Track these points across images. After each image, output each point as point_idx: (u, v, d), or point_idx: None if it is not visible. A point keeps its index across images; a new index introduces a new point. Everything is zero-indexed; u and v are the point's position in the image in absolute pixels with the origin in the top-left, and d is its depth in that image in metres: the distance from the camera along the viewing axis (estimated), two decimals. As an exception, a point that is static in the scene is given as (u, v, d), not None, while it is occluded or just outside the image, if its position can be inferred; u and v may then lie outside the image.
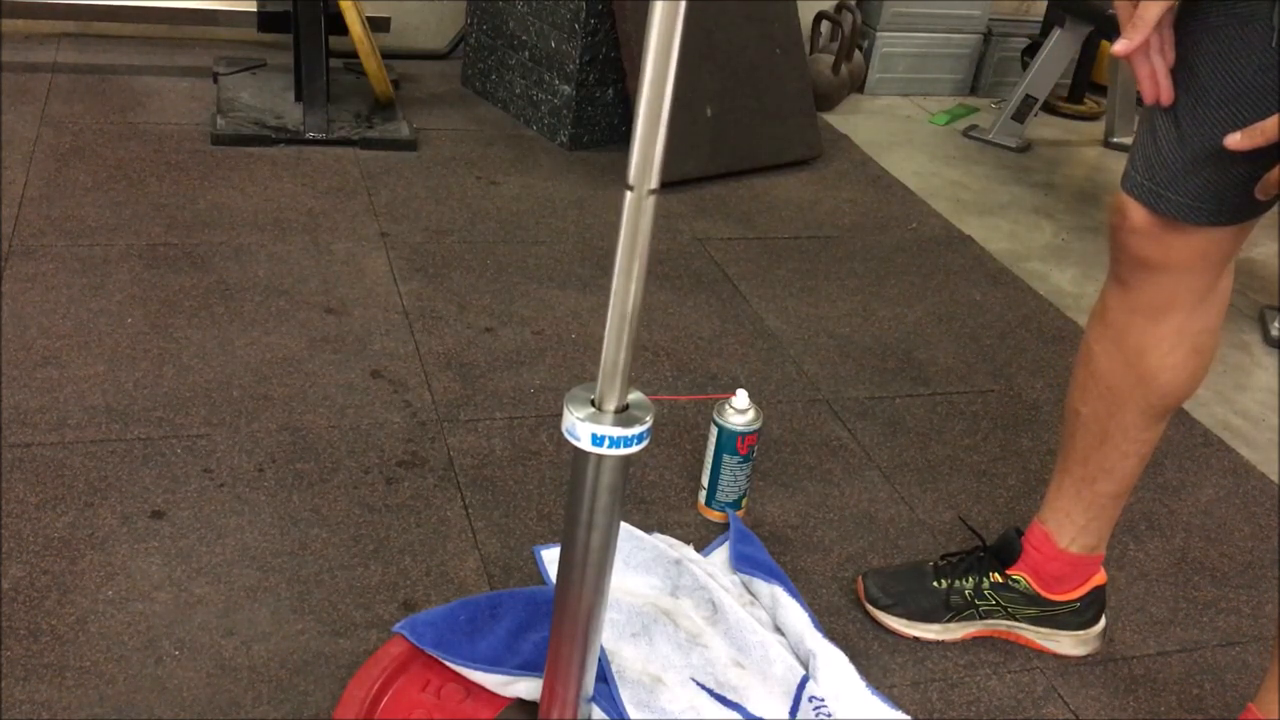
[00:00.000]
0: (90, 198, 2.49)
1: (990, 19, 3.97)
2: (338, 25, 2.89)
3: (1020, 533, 1.60)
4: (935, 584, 1.62)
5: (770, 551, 1.75)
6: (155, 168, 2.65)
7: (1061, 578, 1.58)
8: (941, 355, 2.36)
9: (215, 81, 3.11)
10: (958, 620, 1.61)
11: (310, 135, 2.86)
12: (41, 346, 1.98)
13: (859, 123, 3.61)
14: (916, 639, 1.61)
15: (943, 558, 1.67)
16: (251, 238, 2.42)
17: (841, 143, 3.41)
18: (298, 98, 2.98)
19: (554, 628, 1.23)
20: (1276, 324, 2.62)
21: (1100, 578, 1.60)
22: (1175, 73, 1.24)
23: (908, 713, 1.49)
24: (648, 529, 1.75)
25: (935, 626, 1.61)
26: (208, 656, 1.44)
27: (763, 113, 3.08)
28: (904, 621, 1.61)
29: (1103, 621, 1.63)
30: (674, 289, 2.46)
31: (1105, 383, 1.45)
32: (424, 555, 1.65)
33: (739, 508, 1.80)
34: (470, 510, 1.75)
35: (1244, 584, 1.83)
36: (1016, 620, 1.61)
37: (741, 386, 1.78)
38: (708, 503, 1.79)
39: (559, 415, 1.99)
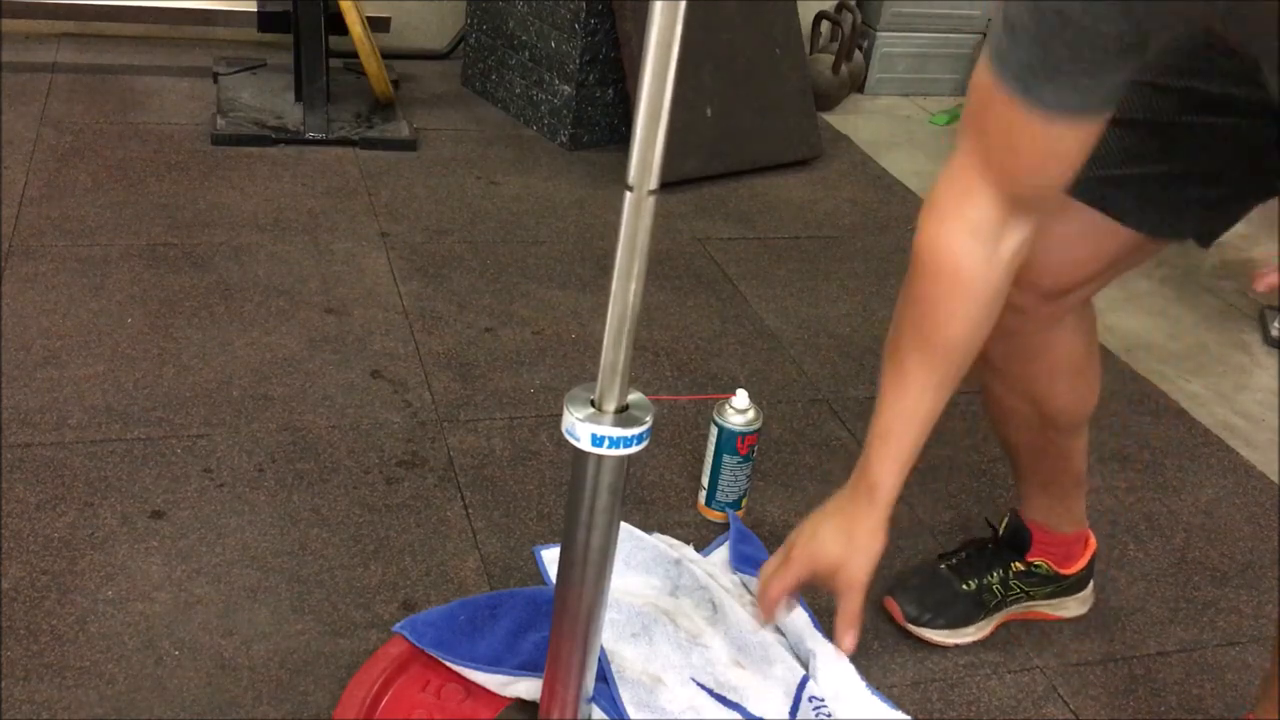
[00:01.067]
0: (90, 198, 2.49)
1: (990, 19, 3.97)
2: (338, 25, 2.89)
3: (1022, 521, 1.65)
4: (964, 586, 1.62)
5: (770, 551, 1.74)
6: (155, 168, 2.65)
7: (1069, 555, 1.65)
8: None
9: (215, 81, 3.11)
10: (988, 616, 1.64)
11: (310, 135, 2.86)
12: (41, 346, 1.98)
13: (859, 123, 3.61)
14: (957, 646, 1.62)
15: (940, 557, 1.67)
16: (251, 238, 2.42)
17: (841, 143, 3.41)
18: (298, 98, 2.98)
19: (554, 628, 1.23)
20: (1276, 324, 2.62)
21: (1092, 542, 1.68)
22: None
23: (908, 713, 1.49)
24: (648, 529, 1.75)
25: (971, 629, 1.63)
26: (208, 656, 1.44)
27: (763, 113, 3.08)
28: (946, 632, 1.61)
29: (1092, 580, 1.71)
30: (674, 289, 2.46)
31: (1015, 417, 1.52)
32: (424, 555, 1.65)
33: (739, 508, 1.80)
34: (470, 510, 1.75)
35: (1244, 584, 1.83)
36: (1034, 599, 1.66)
37: (741, 386, 1.79)
38: (708, 503, 1.79)
39: (559, 415, 1.99)
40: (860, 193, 3.08)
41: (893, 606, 1.63)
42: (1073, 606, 1.69)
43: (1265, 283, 1.03)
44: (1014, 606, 1.65)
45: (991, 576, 1.63)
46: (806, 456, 1.98)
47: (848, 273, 2.64)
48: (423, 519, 1.72)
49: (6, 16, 3.12)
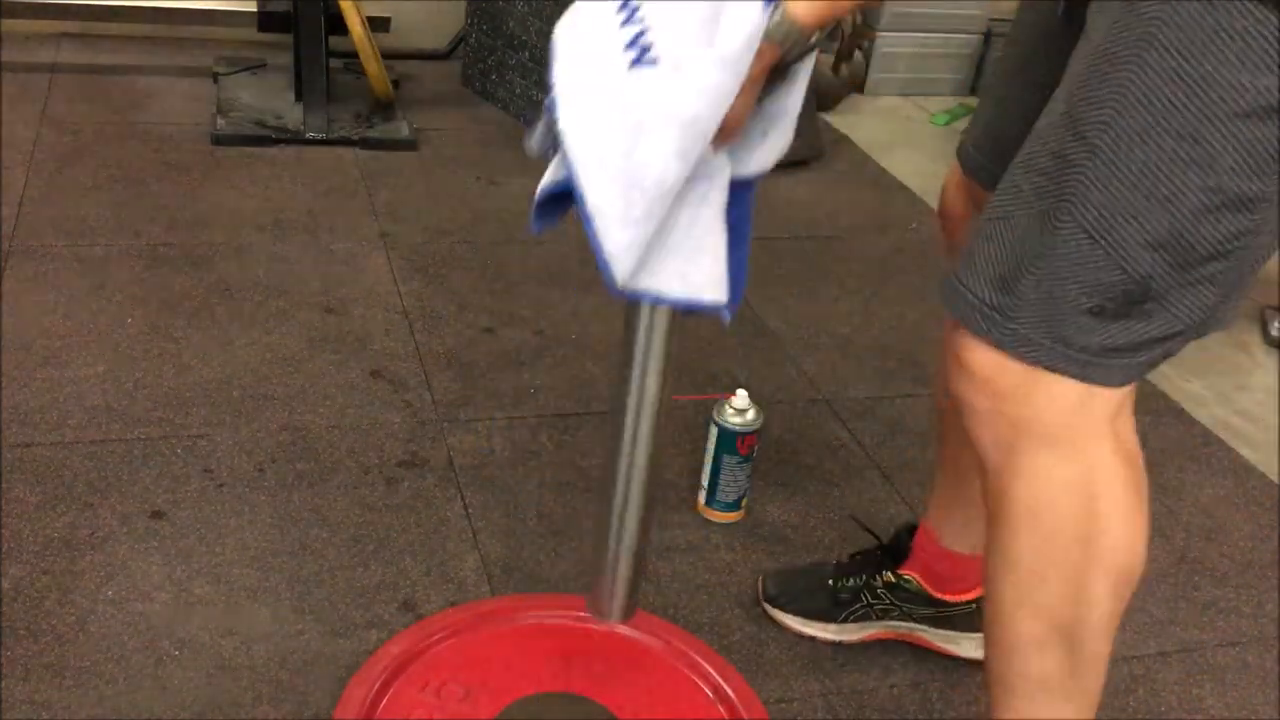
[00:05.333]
0: (90, 198, 2.49)
1: (990, 19, 3.96)
2: (338, 25, 2.89)
3: (912, 530, 1.57)
4: (830, 582, 1.59)
5: (770, 551, 1.75)
6: (155, 168, 2.65)
7: (951, 578, 1.54)
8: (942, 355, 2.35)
9: (215, 81, 3.11)
10: (854, 620, 1.58)
11: (310, 135, 2.86)
12: (41, 346, 1.98)
13: (859, 123, 3.61)
14: (812, 638, 1.58)
15: (851, 556, 1.64)
16: (251, 238, 2.42)
17: (841, 143, 3.41)
18: (298, 98, 2.98)
19: (598, 513, 1.20)
20: (1276, 324, 2.62)
21: None
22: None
23: (907, 713, 1.49)
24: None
25: (831, 626, 1.58)
26: (208, 656, 1.44)
27: (763, 113, 3.07)
28: (798, 620, 1.59)
29: None
30: (674, 289, 2.45)
31: None
32: (424, 555, 1.65)
33: (739, 508, 1.80)
34: (470, 510, 1.75)
35: (1244, 584, 1.83)
36: (915, 621, 1.57)
37: (741, 386, 1.79)
38: (708, 503, 1.79)
39: (559, 415, 1.99)
40: (860, 193, 3.08)
41: (759, 585, 1.63)
42: (968, 646, 1.56)
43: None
44: (891, 622, 1.57)
45: (856, 580, 1.57)
46: (806, 456, 1.98)
47: (847, 273, 2.64)
48: (423, 519, 1.72)
49: (6, 16, 3.12)
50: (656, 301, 1.09)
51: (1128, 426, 1.10)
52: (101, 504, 1.66)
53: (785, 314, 2.42)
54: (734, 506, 1.79)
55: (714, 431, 1.75)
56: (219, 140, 2.80)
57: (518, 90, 3.18)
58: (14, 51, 3.15)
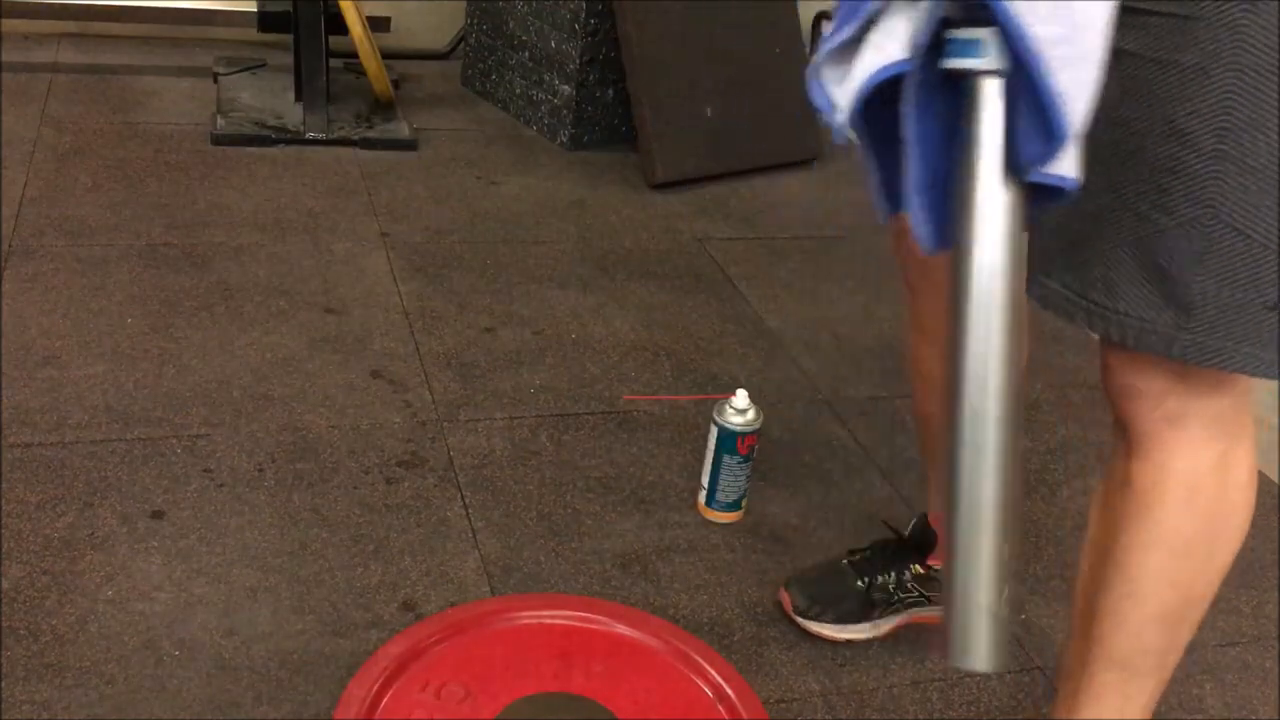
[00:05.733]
0: (90, 198, 2.49)
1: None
2: (338, 25, 2.89)
3: (926, 521, 1.60)
4: (858, 583, 1.60)
5: (770, 551, 1.75)
6: (155, 168, 2.65)
7: None
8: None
9: (215, 81, 3.11)
10: (883, 616, 1.60)
11: (310, 135, 2.86)
12: (41, 346, 1.98)
13: (859, 123, 3.61)
14: (849, 641, 1.59)
15: (852, 552, 1.65)
16: (251, 238, 2.42)
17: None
18: (298, 98, 2.98)
19: (946, 519, 0.92)
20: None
21: None
22: None
23: (907, 713, 1.49)
24: (648, 529, 1.75)
25: (865, 625, 1.60)
26: (208, 656, 1.45)
27: (763, 113, 3.08)
28: (835, 628, 1.60)
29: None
30: (674, 289, 2.46)
31: (939, 384, 1.46)
32: (424, 555, 1.65)
33: (739, 508, 1.80)
34: (470, 510, 1.75)
35: (1244, 584, 1.83)
36: (936, 605, 1.60)
37: (741, 386, 1.79)
38: (708, 503, 1.79)
39: (559, 415, 1.99)
40: (860, 193, 3.07)
41: (784, 597, 1.62)
42: None
43: None
44: (916, 610, 1.61)
45: (887, 576, 1.60)
46: (806, 456, 1.99)
47: (848, 273, 2.64)
48: (423, 519, 1.72)
49: (6, 16, 3.12)
50: (1058, 182, 0.90)
51: (1248, 409, 1.17)
52: (101, 504, 1.66)
53: (785, 314, 2.43)
54: (734, 506, 1.79)
55: (714, 431, 1.75)
56: (219, 140, 2.80)
57: (518, 90, 3.18)
58: (14, 51, 3.15)
